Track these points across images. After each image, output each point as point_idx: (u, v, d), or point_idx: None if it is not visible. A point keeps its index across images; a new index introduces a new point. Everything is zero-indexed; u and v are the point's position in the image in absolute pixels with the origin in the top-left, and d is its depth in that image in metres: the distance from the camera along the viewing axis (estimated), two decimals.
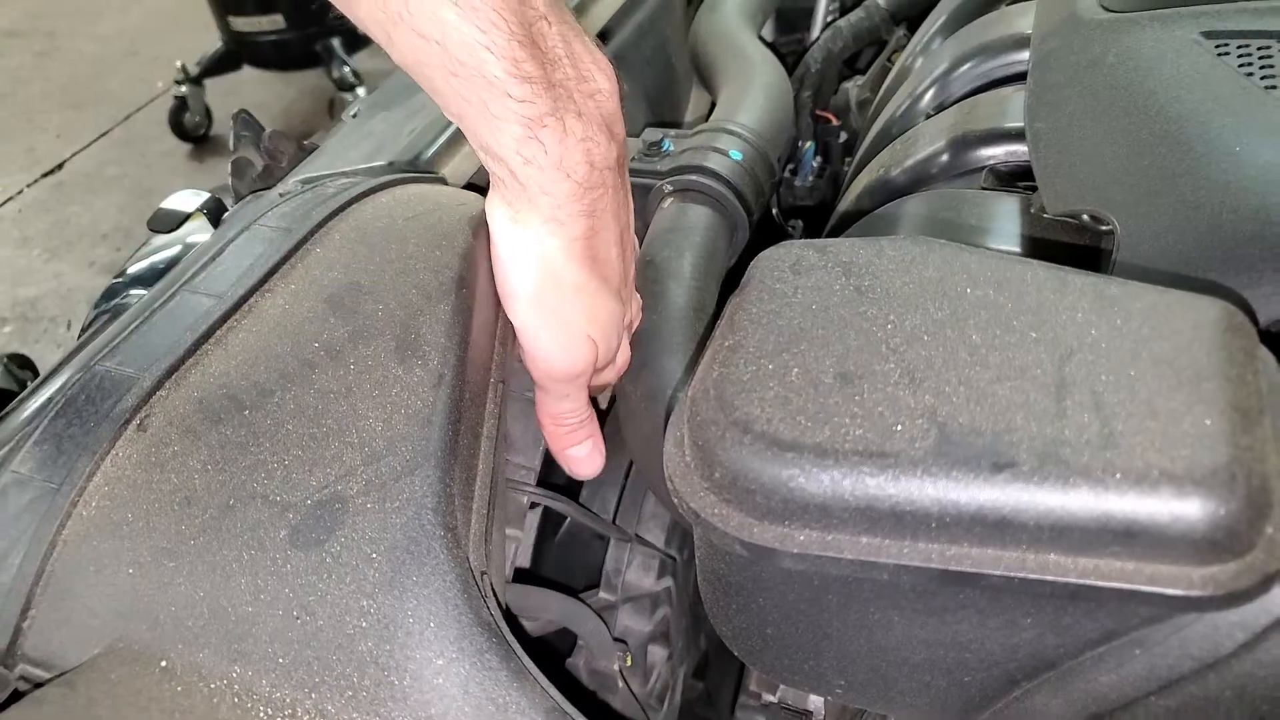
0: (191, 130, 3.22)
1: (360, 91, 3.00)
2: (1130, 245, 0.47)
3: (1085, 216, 0.51)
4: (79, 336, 0.86)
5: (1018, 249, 0.55)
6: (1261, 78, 0.49)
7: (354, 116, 0.77)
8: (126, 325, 0.51)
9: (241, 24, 3.01)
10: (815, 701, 0.64)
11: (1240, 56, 0.51)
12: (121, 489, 0.43)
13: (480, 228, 0.51)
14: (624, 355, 0.57)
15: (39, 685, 0.40)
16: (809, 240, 0.42)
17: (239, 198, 0.75)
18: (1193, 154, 0.47)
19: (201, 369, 0.46)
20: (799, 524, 0.33)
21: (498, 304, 0.51)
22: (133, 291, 0.84)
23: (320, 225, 0.53)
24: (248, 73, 3.21)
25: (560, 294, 0.48)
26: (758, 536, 0.33)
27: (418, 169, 0.66)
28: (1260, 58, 0.50)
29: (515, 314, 0.49)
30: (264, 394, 0.45)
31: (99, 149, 3.30)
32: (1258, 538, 0.28)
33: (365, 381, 0.45)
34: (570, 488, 0.68)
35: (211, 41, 3.17)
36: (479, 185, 0.68)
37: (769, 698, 0.64)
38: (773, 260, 0.41)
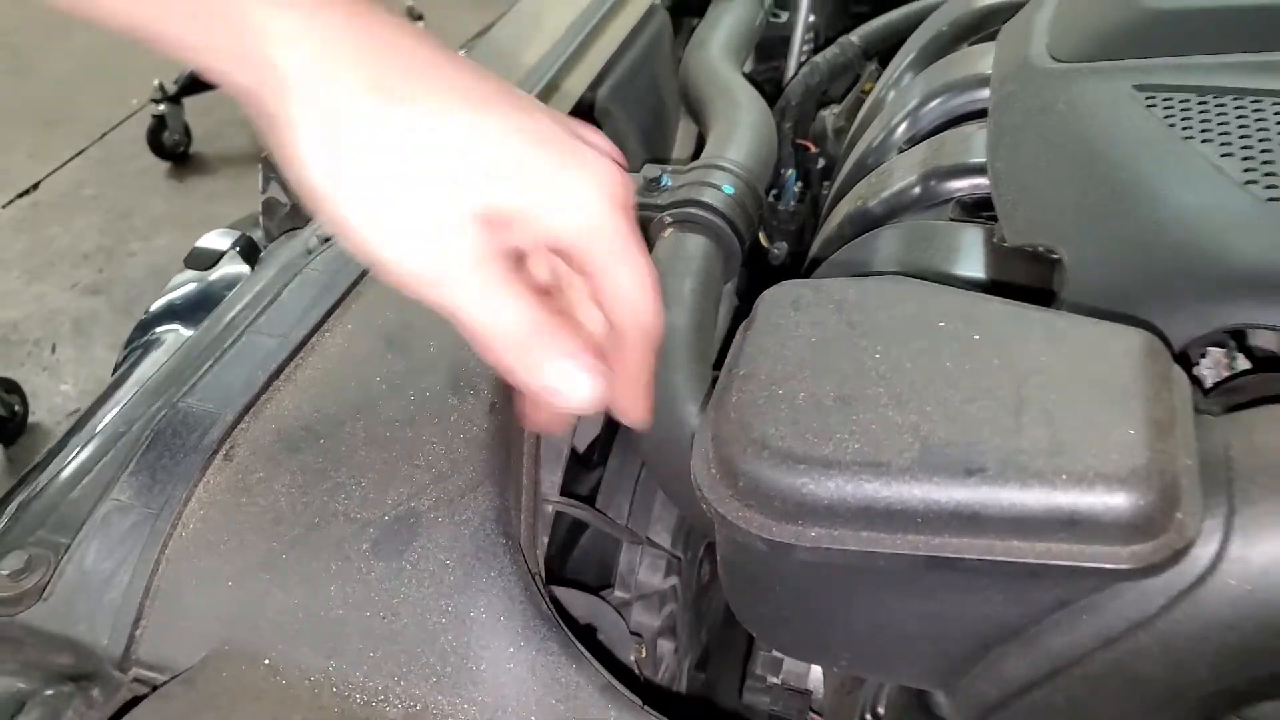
0: (171, 149, 3.24)
1: None
2: (1075, 274, 0.55)
3: (1039, 248, 0.59)
4: (113, 373, 0.91)
5: (982, 274, 0.63)
6: (1182, 128, 0.57)
7: None
8: (200, 365, 0.57)
9: None
10: (814, 680, 0.71)
11: (1165, 108, 0.59)
12: (214, 512, 0.49)
13: None
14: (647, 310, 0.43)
15: (154, 687, 0.46)
16: (805, 280, 0.49)
17: (271, 236, 0.82)
18: (1125, 195, 0.55)
19: (276, 403, 0.53)
20: (810, 523, 0.40)
21: None
22: (164, 327, 0.90)
23: (366, 270, 0.60)
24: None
25: (356, 131, 0.35)
26: (776, 534, 0.40)
27: None
28: (1181, 110, 0.58)
29: (321, 202, 0.36)
30: (336, 424, 0.52)
31: (75, 168, 3.31)
32: (1170, 522, 0.36)
33: (426, 410, 0.52)
34: (589, 496, 0.76)
35: None
36: None
37: (772, 679, 0.71)
38: (775, 298, 0.49)
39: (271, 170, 0.83)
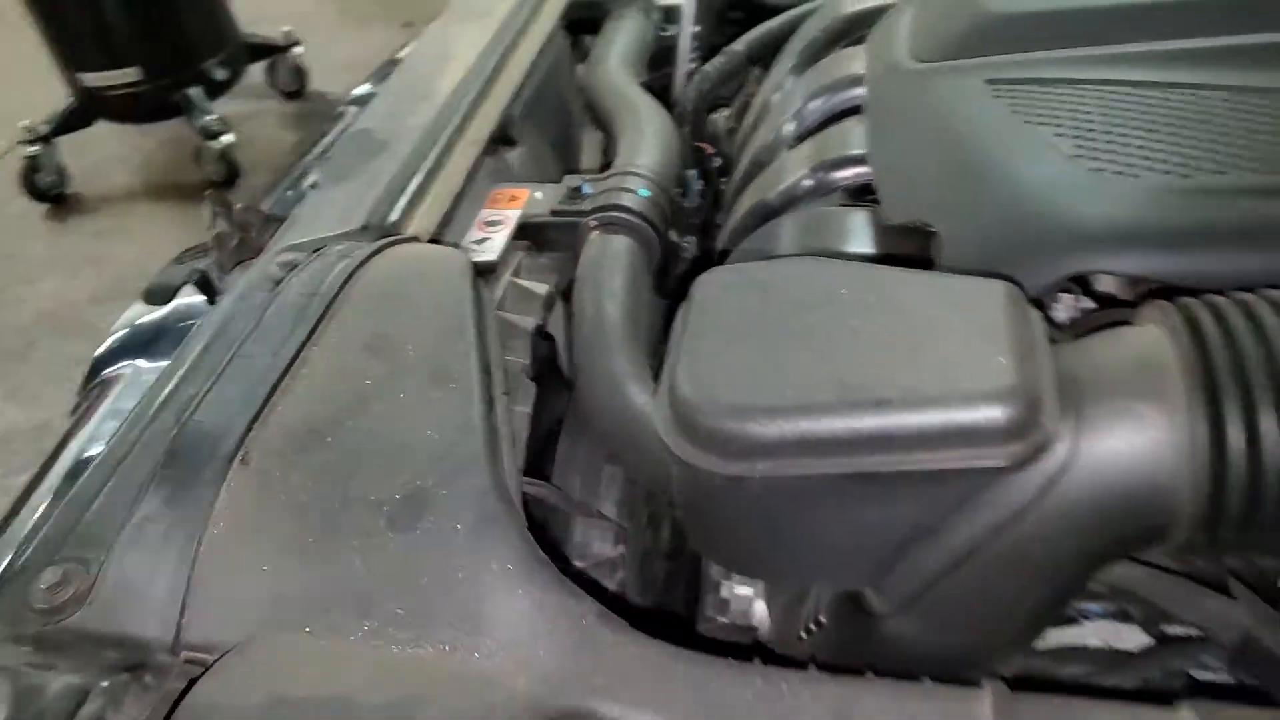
0: (46, 190, 3.17)
1: (227, 138, 3.03)
2: (948, 243, 0.66)
3: (917, 224, 0.70)
4: (72, 413, 0.96)
5: (871, 250, 0.74)
6: (1024, 114, 0.69)
7: (314, 187, 0.90)
8: (200, 387, 0.64)
9: (92, 79, 2.96)
10: (758, 618, 0.81)
11: (1010, 98, 0.71)
12: (241, 510, 0.56)
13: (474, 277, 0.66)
14: None
15: (205, 667, 0.53)
16: (731, 266, 0.59)
17: (224, 268, 0.88)
18: (981, 174, 0.66)
19: (279, 413, 0.60)
20: (758, 458, 0.50)
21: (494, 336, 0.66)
22: (121, 364, 0.95)
23: (340, 289, 0.67)
24: (102, 125, 3.19)
25: None
26: (733, 471, 0.50)
27: (391, 231, 0.80)
28: (1024, 99, 0.70)
29: None
30: (336, 424, 0.59)
31: None
32: (1036, 426, 0.47)
33: (414, 405, 0.59)
34: (544, 475, 0.84)
35: (56, 97, 3.12)
36: (442, 240, 0.83)
37: (721, 619, 0.81)
38: (708, 282, 0.58)
39: (219, 206, 0.89)
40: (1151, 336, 0.52)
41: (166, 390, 0.68)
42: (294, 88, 3.70)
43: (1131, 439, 0.48)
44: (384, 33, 4.22)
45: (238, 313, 0.73)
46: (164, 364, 0.77)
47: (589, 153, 1.22)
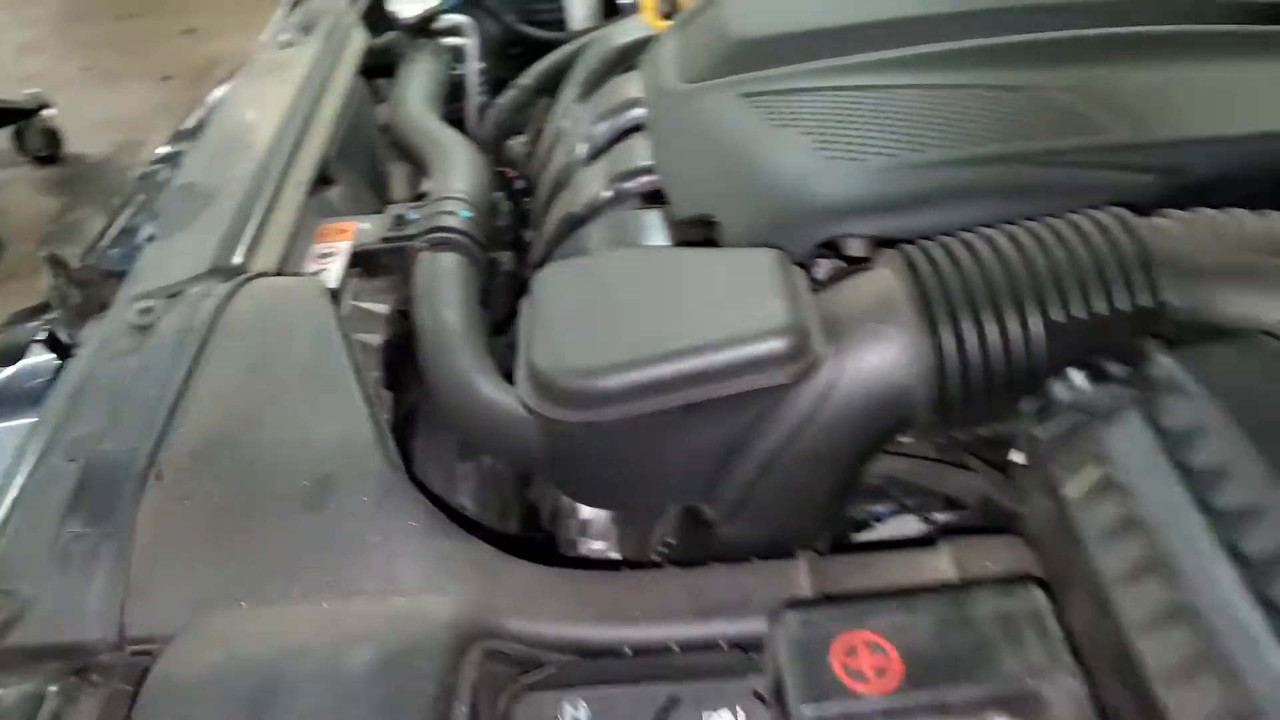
0: None
1: None
2: (728, 229, 0.82)
3: (702, 217, 0.85)
4: None
5: (667, 243, 0.89)
6: (776, 119, 0.86)
7: (150, 240, 0.96)
8: (91, 427, 0.70)
9: None
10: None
11: (763, 107, 0.88)
12: (163, 517, 0.64)
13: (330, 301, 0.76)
14: None
15: (153, 655, 0.60)
16: (562, 262, 0.72)
17: (72, 324, 0.92)
18: (745, 170, 0.83)
19: (181, 434, 0.68)
20: (606, 407, 0.63)
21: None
22: None
23: (211, 323, 0.75)
24: None
25: None
26: (586, 418, 0.63)
27: (239, 271, 0.88)
28: (773, 107, 0.87)
29: None
30: (236, 436, 0.67)
31: None
32: (808, 349, 0.63)
33: (303, 410, 0.69)
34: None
35: None
36: (287, 272, 0.92)
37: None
38: (546, 277, 0.71)
39: (56, 266, 0.93)
40: (886, 276, 0.69)
41: (46, 437, 0.74)
42: (47, 152, 3.53)
43: (878, 353, 0.65)
44: (140, 88, 4.08)
45: (101, 361, 0.79)
46: (21, 421, 0.82)
47: (399, 185, 1.32)
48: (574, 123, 1.14)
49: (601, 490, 0.72)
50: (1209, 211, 0.70)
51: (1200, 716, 0.45)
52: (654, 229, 0.91)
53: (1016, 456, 0.64)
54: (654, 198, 0.96)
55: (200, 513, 0.63)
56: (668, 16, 1.21)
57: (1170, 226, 0.69)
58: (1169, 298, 0.64)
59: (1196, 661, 0.46)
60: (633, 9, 1.35)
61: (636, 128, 1.05)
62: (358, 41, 1.30)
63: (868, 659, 0.49)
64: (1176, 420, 0.54)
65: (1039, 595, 0.53)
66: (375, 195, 1.21)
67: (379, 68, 1.35)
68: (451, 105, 1.44)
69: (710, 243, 0.83)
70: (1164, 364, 0.57)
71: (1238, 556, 0.48)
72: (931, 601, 0.52)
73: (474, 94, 1.42)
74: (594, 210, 0.99)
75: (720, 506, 0.71)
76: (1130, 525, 0.52)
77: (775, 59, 0.95)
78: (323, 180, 1.09)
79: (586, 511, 0.89)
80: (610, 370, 0.63)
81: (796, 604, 0.53)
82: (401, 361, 0.96)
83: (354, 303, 0.96)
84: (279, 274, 0.91)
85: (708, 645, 0.59)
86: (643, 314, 0.66)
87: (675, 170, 0.92)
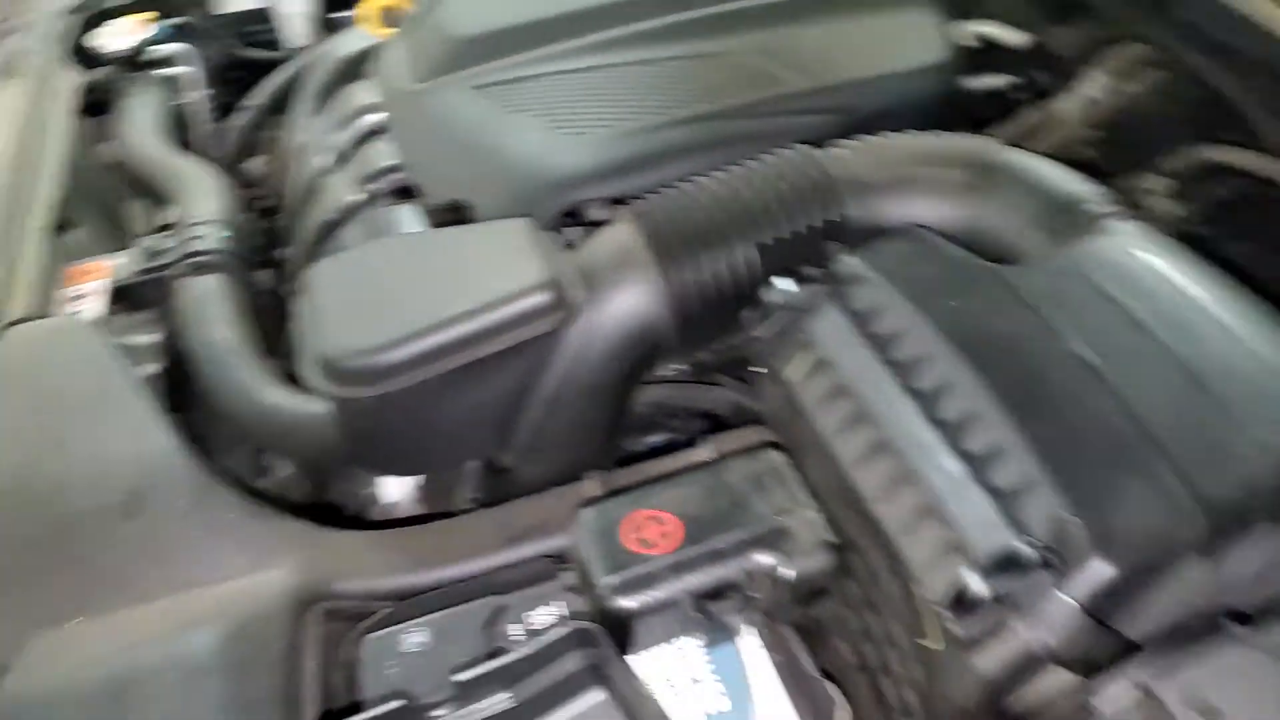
0: None
1: None
2: (480, 209, 0.90)
3: (454, 202, 0.93)
4: None
5: (428, 225, 0.96)
6: (507, 105, 0.95)
7: None
8: None
9: None
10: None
11: (493, 95, 0.96)
12: None
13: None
14: None
15: None
16: (329, 258, 0.78)
17: None
18: (488, 153, 0.91)
19: None
20: (397, 377, 0.70)
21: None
22: None
23: None
24: None
25: None
26: (376, 390, 0.69)
27: None
28: (503, 94, 0.96)
29: None
30: (36, 469, 0.69)
31: None
32: (565, 299, 0.72)
33: (99, 432, 0.71)
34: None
35: None
36: (32, 316, 0.91)
37: None
38: (318, 271, 0.76)
39: None
40: (623, 229, 0.80)
41: None
42: None
43: (626, 292, 0.76)
44: None
45: None
46: None
47: (139, 220, 1.30)
48: (312, 135, 1.18)
49: (404, 458, 0.78)
50: (872, 138, 0.85)
51: (901, 518, 0.58)
52: (411, 220, 0.97)
53: (754, 366, 0.76)
54: (405, 193, 1.03)
55: (15, 543, 0.65)
56: (393, 24, 1.26)
57: (844, 154, 0.83)
58: (848, 210, 0.79)
59: (894, 478, 0.59)
60: (349, 23, 1.39)
61: (376, 131, 1.10)
62: (68, 81, 1.27)
63: (652, 529, 0.59)
64: (861, 303, 0.68)
65: (777, 455, 0.65)
66: (117, 233, 1.19)
67: (99, 105, 1.32)
68: (181, 134, 1.43)
69: (467, 222, 0.91)
70: (848, 262, 0.71)
71: (915, 394, 0.61)
72: (696, 476, 0.63)
73: (203, 120, 1.41)
74: (348, 213, 1.04)
75: (515, 452, 0.79)
76: (838, 391, 0.65)
77: (498, 52, 1.03)
78: (62, 224, 1.08)
79: (392, 493, 0.95)
80: (393, 345, 0.70)
81: (588, 502, 0.63)
82: (178, 388, 0.97)
83: (119, 339, 0.96)
84: (37, 318, 0.91)
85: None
86: (414, 290, 0.73)
87: (422, 164, 0.99)
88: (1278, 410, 0.57)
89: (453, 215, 0.93)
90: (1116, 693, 0.47)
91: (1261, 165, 0.91)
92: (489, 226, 0.78)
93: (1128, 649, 0.51)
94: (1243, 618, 0.50)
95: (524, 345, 0.72)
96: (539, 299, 0.71)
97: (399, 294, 0.73)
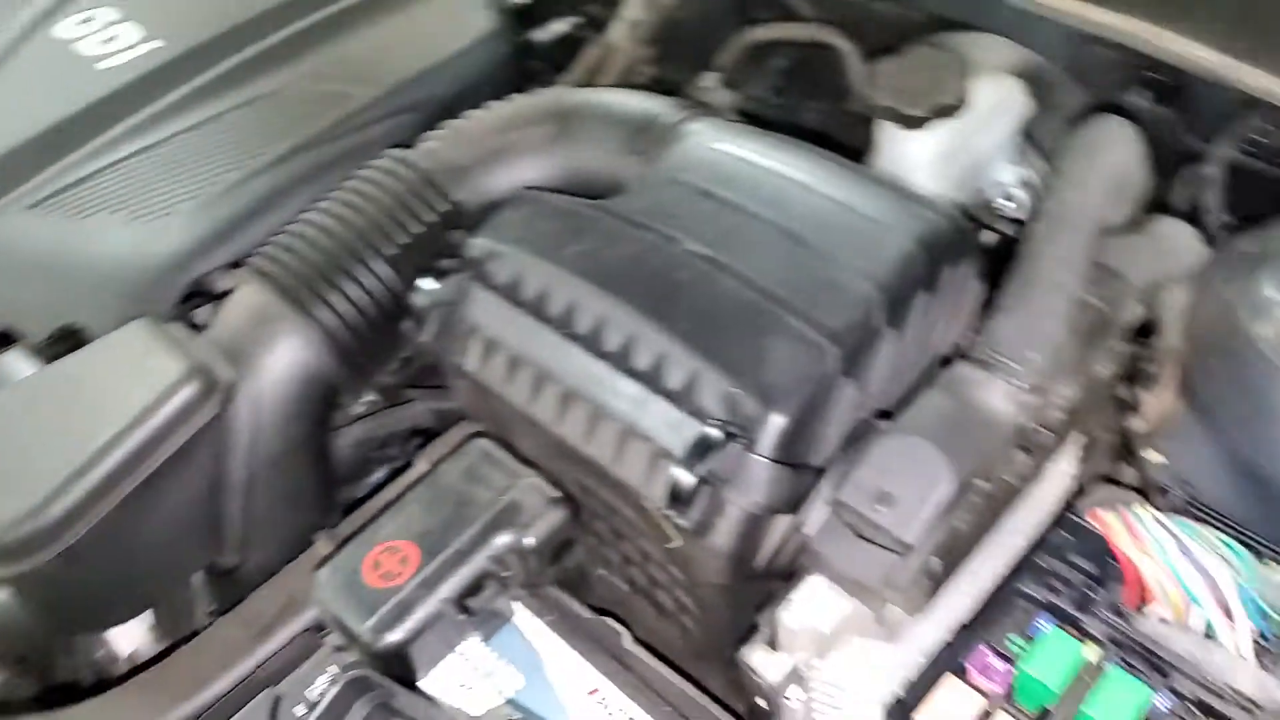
0: None
1: None
2: (95, 329, 0.83)
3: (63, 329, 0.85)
4: None
5: (42, 364, 0.87)
6: (75, 214, 0.87)
7: None
8: None
9: None
10: None
11: (54, 209, 0.88)
12: None
13: None
14: None
15: None
16: None
17: None
18: (77, 269, 0.85)
19: None
20: (65, 532, 0.65)
21: None
22: None
23: None
24: None
25: None
26: (52, 552, 0.64)
27: None
28: (62, 204, 0.88)
29: None
30: None
31: None
32: (215, 379, 0.70)
33: None
34: None
35: None
36: None
37: None
38: None
39: None
40: (249, 290, 0.77)
41: None
42: None
43: (277, 351, 0.74)
44: None
45: None
46: None
47: None
48: None
49: (116, 603, 0.73)
50: (455, 121, 0.87)
51: (607, 450, 0.62)
52: (18, 366, 0.88)
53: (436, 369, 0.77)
54: (4, 340, 0.93)
55: None
56: None
57: (433, 146, 0.85)
58: (456, 196, 0.81)
59: (589, 419, 0.63)
60: None
61: None
62: None
63: (391, 560, 0.60)
64: (502, 276, 0.71)
65: (483, 441, 0.68)
66: None
67: None
68: None
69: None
70: (476, 244, 0.74)
71: (578, 338, 0.65)
72: (415, 493, 0.64)
73: None
74: None
75: (233, 548, 0.76)
76: (514, 362, 0.68)
77: (40, 162, 0.93)
78: None
79: (126, 642, 0.88)
80: (52, 498, 0.64)
81: (321, 562, 0.62)
82: None
83: None
84: None
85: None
86: (54, 435, 0.68)
87: (7, 303, 0.90)
88: (865, 240, 0.67)
89: (65, 345, 0.86)
90: (817, 515, 0.55)
91: (802, 33, 1.03)
92: (106, 341, 0.73)
93: (819, 476, 0.58)
94: (886, 415, 0.59)
95: (192, 444, 0.69)
96: (187, 392, 0.68)
97: (39, 445, 0.67)
